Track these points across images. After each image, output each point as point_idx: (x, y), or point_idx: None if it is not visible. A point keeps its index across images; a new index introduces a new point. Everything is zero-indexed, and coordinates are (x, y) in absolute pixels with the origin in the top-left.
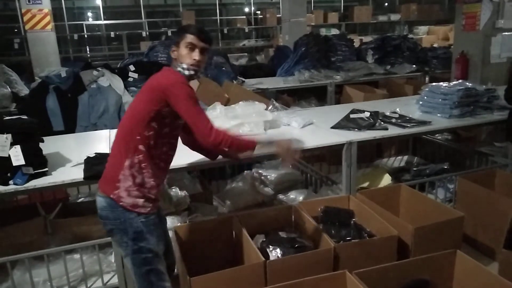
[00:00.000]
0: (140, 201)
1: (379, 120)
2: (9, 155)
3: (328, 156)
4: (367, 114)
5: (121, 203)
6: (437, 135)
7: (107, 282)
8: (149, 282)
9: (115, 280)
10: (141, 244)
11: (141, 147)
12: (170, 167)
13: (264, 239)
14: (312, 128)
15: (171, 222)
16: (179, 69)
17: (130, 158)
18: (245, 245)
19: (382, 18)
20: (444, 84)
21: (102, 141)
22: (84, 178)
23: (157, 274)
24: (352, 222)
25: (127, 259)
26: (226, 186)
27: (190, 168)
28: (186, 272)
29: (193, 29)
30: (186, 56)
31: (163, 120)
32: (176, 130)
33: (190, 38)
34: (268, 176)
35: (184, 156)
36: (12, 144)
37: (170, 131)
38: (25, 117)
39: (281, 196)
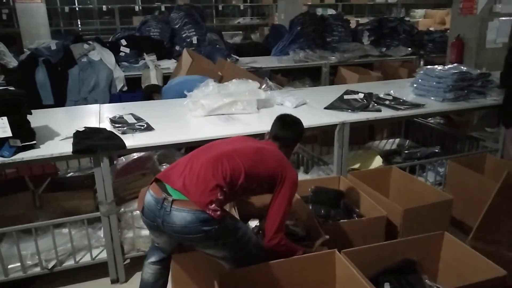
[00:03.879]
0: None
1: (372, 102)
2: None
3: (320, 136)
4: (361, 95)
5: (217, 216)
6: (430, 118)
7: (95, 256)
8: (253, 256)
9: (103, 255)
10: (238, 235)
11: (238, 188)
12: (161, 144)
13: (258, 224)
14: (305, 108)
15: None
16: None
17: (227, 189)
18: None
19: None
20: (439, 67)
21: (92, 115)
22: (73, 152)
23: (256, 246)
24: (341, 202)
25: (226, 252)
26: None
27: (182, 145)
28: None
29: None
30: None
31: (263, 185)
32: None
33: None
34: None
35: (176, 132)
36: None
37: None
38: (12, 88)
39: None
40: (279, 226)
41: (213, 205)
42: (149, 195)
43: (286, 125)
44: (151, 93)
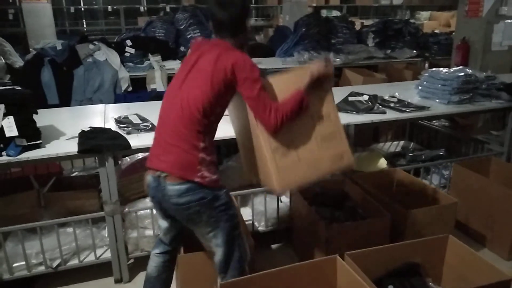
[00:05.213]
0: (217, 175)
1: (377, 104)
2: (1, 126)
3: None
4: (366, 97)
5: (207, 183)
6: (434, 121)
7: (99, 256)
8: (237, 245)
9: (107, 254)
10: (230, 212)
11: (209, 128)
12: None
13: None
14: None
15: None
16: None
17: (204, 140)
18: None
19: (384, 1)
20: (444, 69)
21: (97, 115)
22: (78, 152)
23: (240, 237)
24: (346, 204)
25: (216, 232)
26: (221, 165)
27: None
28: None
29: None
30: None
31: (226, 99)
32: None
33: None
34: None
35: None
36: (5, 115)
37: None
38: (18, 88)
39: None
40: (270, 106)
41: (201, 172)
42: (149, 176)
43: (217, 7)
44: None
